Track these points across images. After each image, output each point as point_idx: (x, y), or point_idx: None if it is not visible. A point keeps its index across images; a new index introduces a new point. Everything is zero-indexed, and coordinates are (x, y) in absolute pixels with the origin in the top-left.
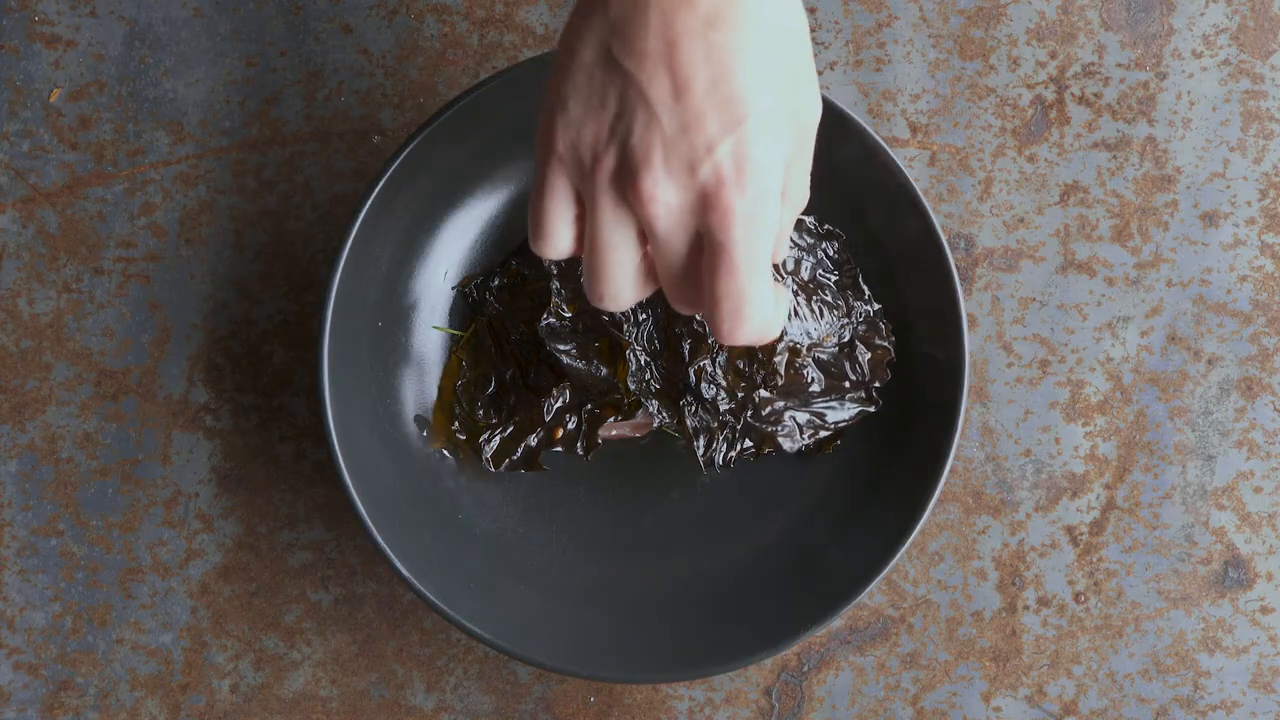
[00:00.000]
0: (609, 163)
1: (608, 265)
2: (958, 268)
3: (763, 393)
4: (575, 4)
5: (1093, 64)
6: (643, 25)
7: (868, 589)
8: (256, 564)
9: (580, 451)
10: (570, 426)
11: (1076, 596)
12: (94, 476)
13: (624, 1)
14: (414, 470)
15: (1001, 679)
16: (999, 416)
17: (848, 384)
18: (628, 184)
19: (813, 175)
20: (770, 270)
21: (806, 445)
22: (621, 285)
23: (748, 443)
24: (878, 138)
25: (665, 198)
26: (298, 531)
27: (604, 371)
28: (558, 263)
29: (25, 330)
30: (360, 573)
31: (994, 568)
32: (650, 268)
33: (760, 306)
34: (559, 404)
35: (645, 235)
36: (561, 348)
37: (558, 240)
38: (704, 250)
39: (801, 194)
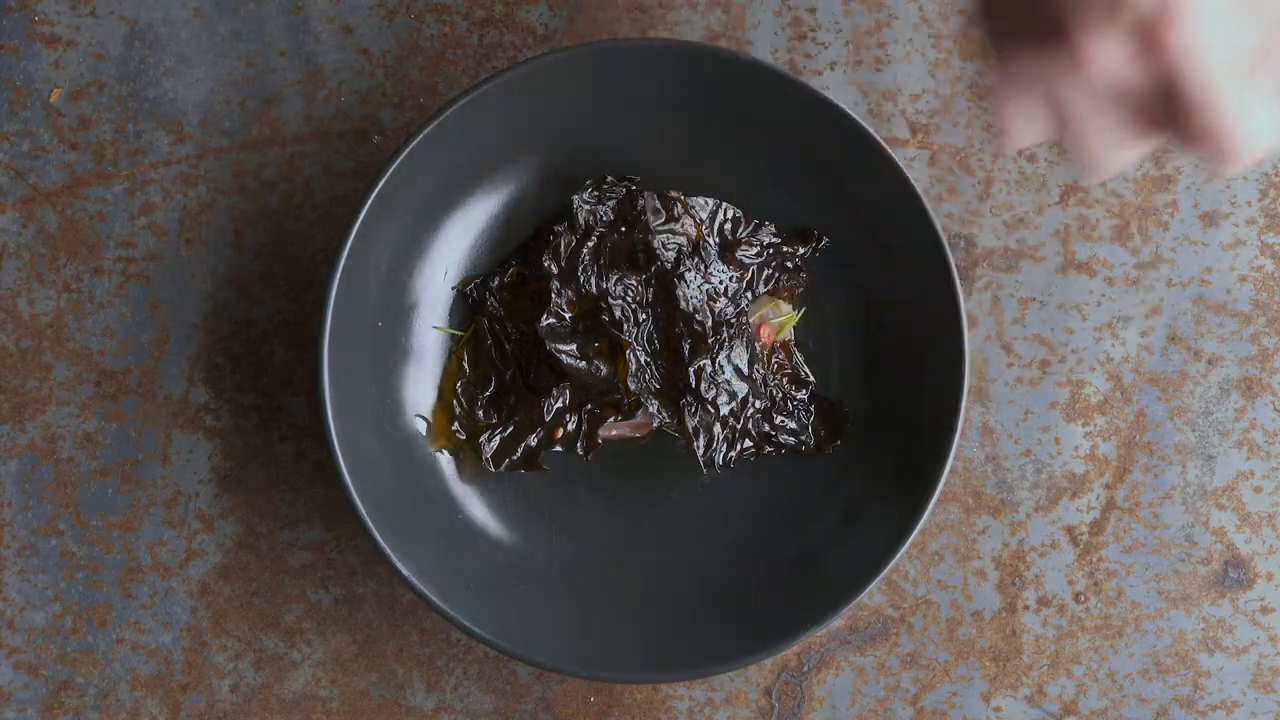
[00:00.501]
0: (1047, 44)
1: (1089, 138)
2: (958, 268)
3: (756, 402)
4: None
5: None
6: None
7: (868, 589)
8: (256, 564)
9: (580, 451)
10: (570, 427)
11: (1076, 596)
12: (94, 476)
13: None
14: (414, 470)
15: (1001, 679)
16: (999, 416)
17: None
18: (1075, 52)
19: (813, 175)
20: (1244, 101)
21: (805, 444)
22: (1105, 153)
23: (748, 443)
24: (878, 138)
25: (1115, 51)
26: (298, 531)
27: (604, 371)
28: (557, 263)
29: (25, 330)
30: (360, 573)
31: (994, 568)
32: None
33: (1244, 131)
34: (559, 404)
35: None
36: (561, 348)
37: (1026, 128)
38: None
39: None
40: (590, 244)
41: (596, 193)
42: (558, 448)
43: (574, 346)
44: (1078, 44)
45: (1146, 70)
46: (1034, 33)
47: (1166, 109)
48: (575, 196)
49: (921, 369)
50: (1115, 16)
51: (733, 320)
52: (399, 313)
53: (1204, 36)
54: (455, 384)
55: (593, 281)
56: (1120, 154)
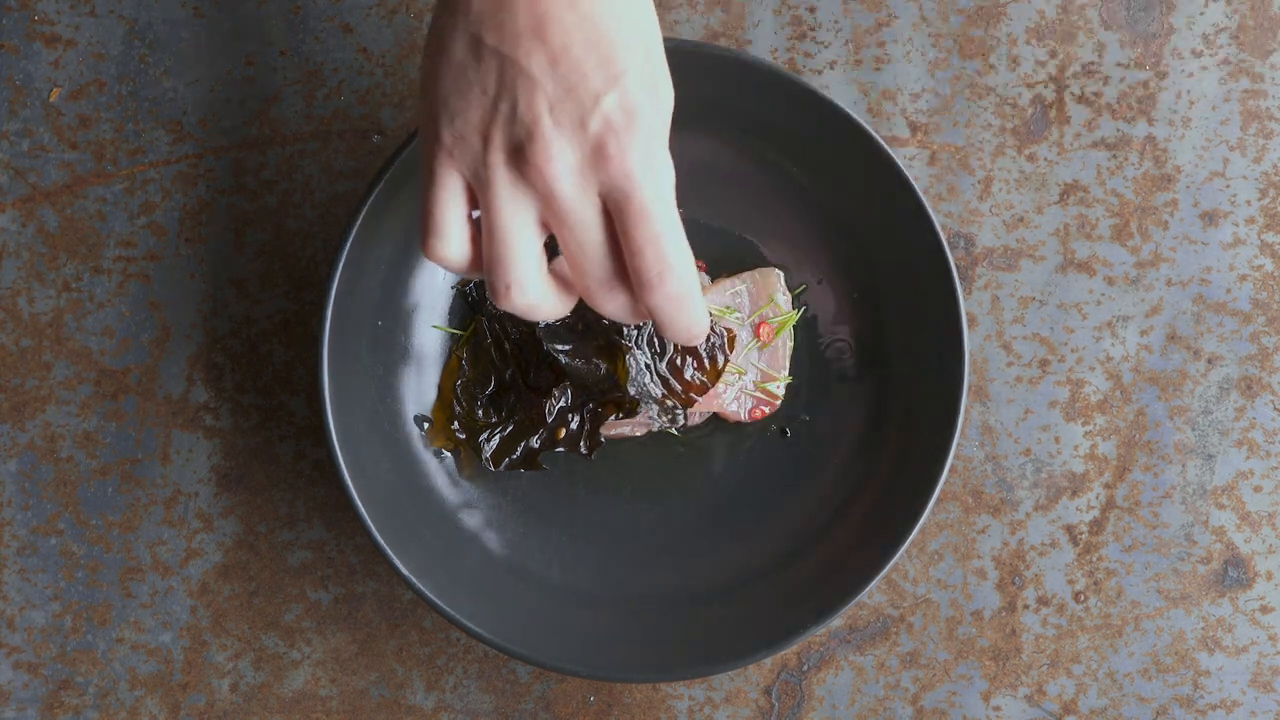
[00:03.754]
0: (499, 139)
1: (509, 249)
2: (958, 267)
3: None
4: (434, 12)
5: (1092, 63)
6: (510, 9)
7: (868, 589)
8: (256, 563)
9: (583, 450)
10: (573, 426)
11: (1076, 596)
12: (94, 476)
13: None
14: (414, 470)
15: (1001, 678)
16: (999, 416)
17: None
18: (521, 156)
19: (813, 174)
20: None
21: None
22: (525, 272)
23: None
24: (878, 137)
25: (561, 158)
26: (297, 531)
27: (603, 369)
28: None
29: (25, 329)
30: (360, 572)
31: (994, 567)
32: (562, 277)
33: (682, 255)
34: (560, 404)
35: (546, 219)
36: (560, 348)
37: (451, 237)
38: (614, 214)
39: (669, 173)
40: None
41: None
42: (561, 448)
43: (572, 345)
44: (538, 146)
45: (592, 189)
46: (475, 142)
47: (603, 244)
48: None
49: (921, 368)
50: (576, 126)
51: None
52: (399, 313)
53: (649, 161)
54: (455, 383)
55: None
56: (540, 290)
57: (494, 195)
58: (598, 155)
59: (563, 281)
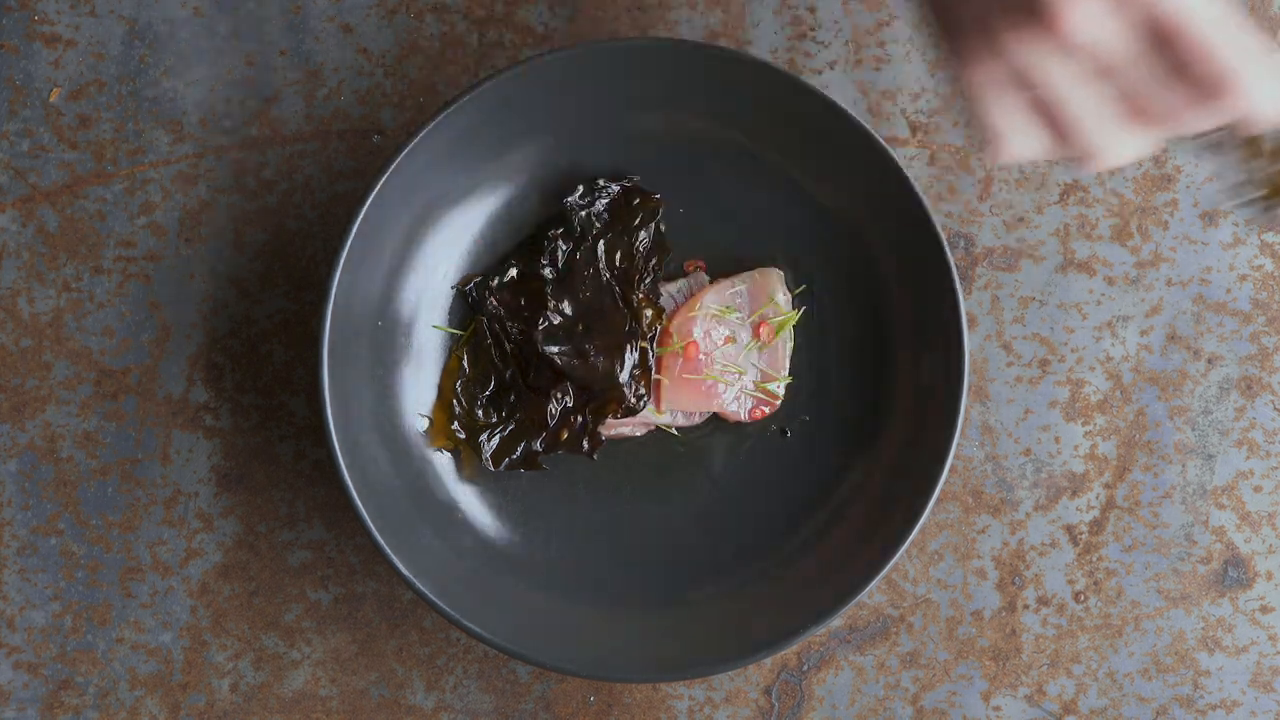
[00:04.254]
0: (1023, 25)
1: (1082, 116)
2: (958, 267)
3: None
4: None
5: None
6: None
7: (868, 588)
8: (256, 563)
9: (585, 450)
10: (576, 428)
11: (1076, 596)
12: (94, 476)
13: None
14: (414, 470)
15: (1001, 678)
16: (999, 416)
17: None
18: (1050, 25)
19: (813, 174)
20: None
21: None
22: (1103, 127)
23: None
24: (878, 137)
25: (1081, 8)
26: (297, 531)
27: (602, 367)
28: (554, 267)
29: (25, 329)
30: (360, 572)
31: (994, 567)
32: (1126, 107)
33: (1257, 62)
34: (563, 406)
35: (1094, 69)
36: (556, 349)
37: (1018, 135)
38: (1162, 44)
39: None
40: (585, 246)
41: (589, 195)
42: (563, 449)
43: (571, 346)
44: (1049, 10)
45: (1132, 23)
46: (992, 19)
47: (1166, 67)
48: (567, 200)
49: (921, 368)
50: None
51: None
52: (399, 312)
53: None
54: (455, 383)
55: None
56: (1121, 138)
57: (1037, 81)
58: None
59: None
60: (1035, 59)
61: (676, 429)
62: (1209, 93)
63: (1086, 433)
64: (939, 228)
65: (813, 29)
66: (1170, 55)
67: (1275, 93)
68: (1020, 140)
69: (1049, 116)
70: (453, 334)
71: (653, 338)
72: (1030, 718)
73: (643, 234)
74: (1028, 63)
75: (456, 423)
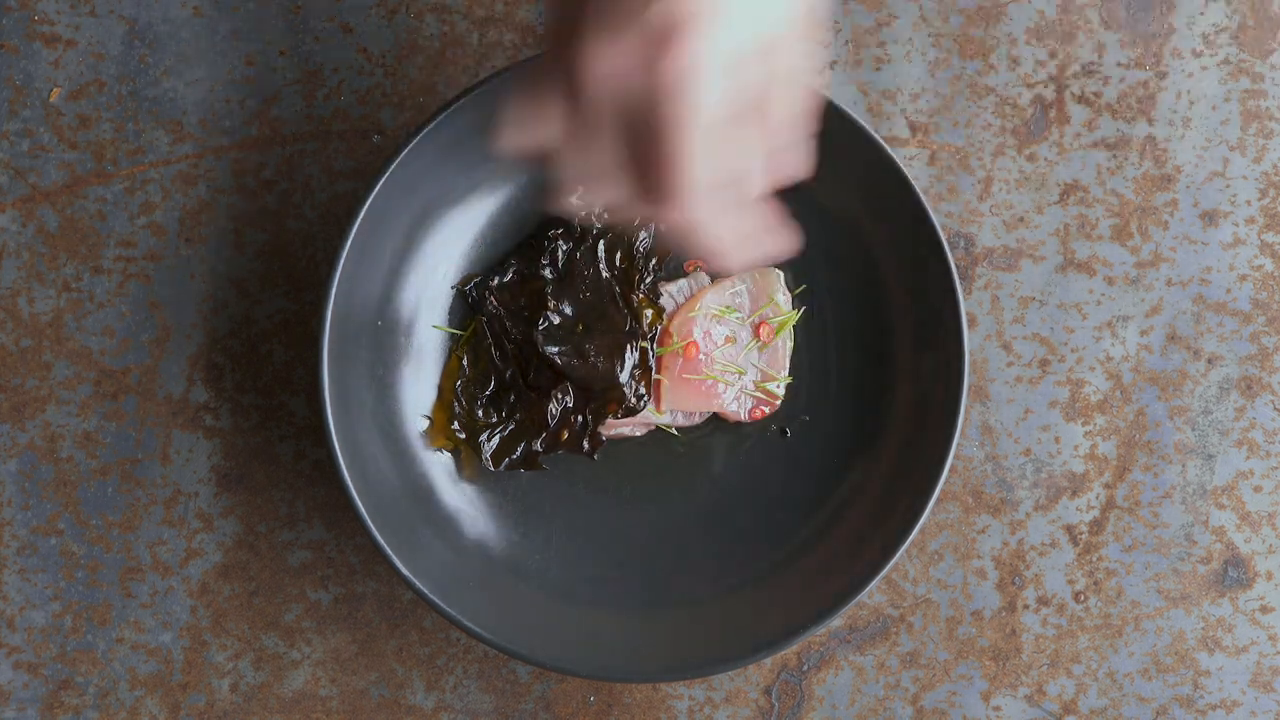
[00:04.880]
0: (568, 44)
1: (580, 148)
2: (958, 267)
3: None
4: None
5: (1092, 63)
6: None
7: (868, 589)
8: (256, 563)
9: (585, 450)
10: (576, 428)
11: (1076, 596)
12: (94, 476)
13: None
14: (414, 470)
15: (1001, 678)
16: (999, 416)
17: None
18: (581, 56)
19: (815, 173)
20: (698, 154)
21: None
22: (601, 163)
23: None
24: (878, 137)
25: (604, 64)
26: (297, 531)
27: (602, 367)
28: (554, 268)
29: (25, 329)
30: (360, 572)
31: (994, 567)
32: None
33: (692, 176)
34: (563, 406)
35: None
36: (556, 349)
37: (523, 129)
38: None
39: (785, 105)
40: (585, 246)
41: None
42: (563, 450)
43: (571, 346)
44: (586, 43)
45: (638, 90)
46: (573, 37)
47: (641, 136)
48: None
49: (921, 368)
50: (627, 23)
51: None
52: (399, 312)
53: (696, 74)
54: (455, 383)
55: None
56: (594, 178)
57: (565, 102)
58: (645, 60)
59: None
60: (566, 75)
61: (676, 429)
62: (652, 178)
63: (1086, 433)
64: (939, 228)
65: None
66: (652, 126)
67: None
68: (516, 140)
69: (565, 131)
70: (453, 334)
71: (653, 338)
72: (1030, 718)
73: (643, 234)
74: (562, 76)
75: (456, 423)
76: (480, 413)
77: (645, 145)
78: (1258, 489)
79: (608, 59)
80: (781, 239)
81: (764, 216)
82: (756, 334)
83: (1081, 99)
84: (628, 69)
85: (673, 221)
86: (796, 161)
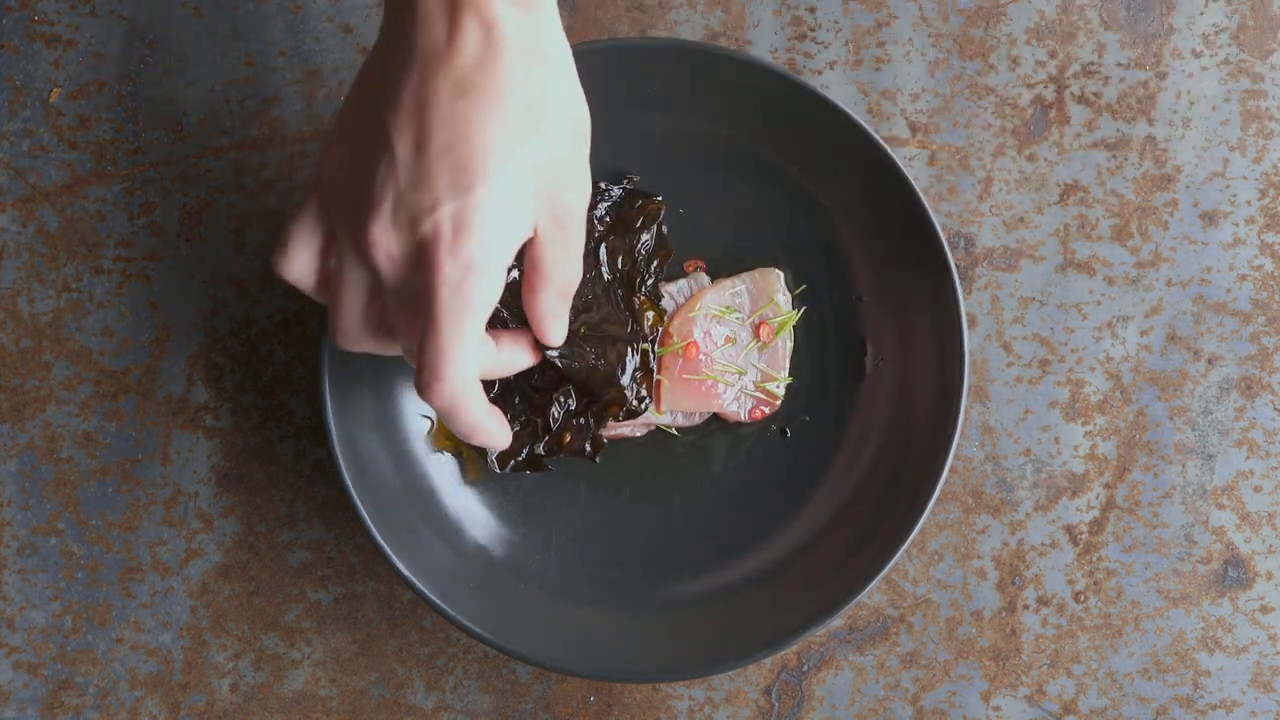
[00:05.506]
0: (351, 201)
1: (341, 300)
2: (958, 267)
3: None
4: (376, 43)
5: (1092, 63)
6: (405, 80)
7: (868, 589)
8: (256, 563)
9: (588, 453)
10: (579, 430)
11: (1076, 596)
12: (94, 476)
13: (397, 54)
14: (414, 470)
15: (1001, 678)
16: (999, 416)
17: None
18: (359, 226)
19: (813, 174)
20: (474, 344)
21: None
22: (350, 323)
23: None
24: (878, 137)
25: (388, 246)
26: (297, 531)
27: (602, 368)
28: None
29: (25, 330)
30: (360, 572)
31: (994, 567)
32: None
33: (453, 372)
34: (565, 409)
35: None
36: (558, 352)
37: (295, 261)
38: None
39: (563, 275)
40: (587, 248)
41: (590, 199)
42: (565, 453)
43: (572, 349)
44: (370, 225)
45: (412, 276)
46: (349, 186)
47: (410, 320)
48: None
49: (921, 368)
50: (409, 220)
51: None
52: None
53: (462, 281)
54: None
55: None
56: (356, 337)
57: (338, 249)
58: (419, 257)
59: (388, 333)
60: (344, 240)
61: (676, 429)
62: (419, 361)
63: (1086, 433)
64: (939, 228)
65: (813, 29)
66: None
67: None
68: (294, 269)
69: (321, 283)
70: None
71: (654, 340)
72: (1030, 718)
73: (645, 236)
74: (337, 240)
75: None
76: None
77: (416, 321)
78: (1258, 489)
79: (387, 244)
80: (505, 432)
81: (494, 410)
82: (756, 334)
83: (1081, 99)
84: (404, 258)
85: (430, 399)
86: (552, 333)
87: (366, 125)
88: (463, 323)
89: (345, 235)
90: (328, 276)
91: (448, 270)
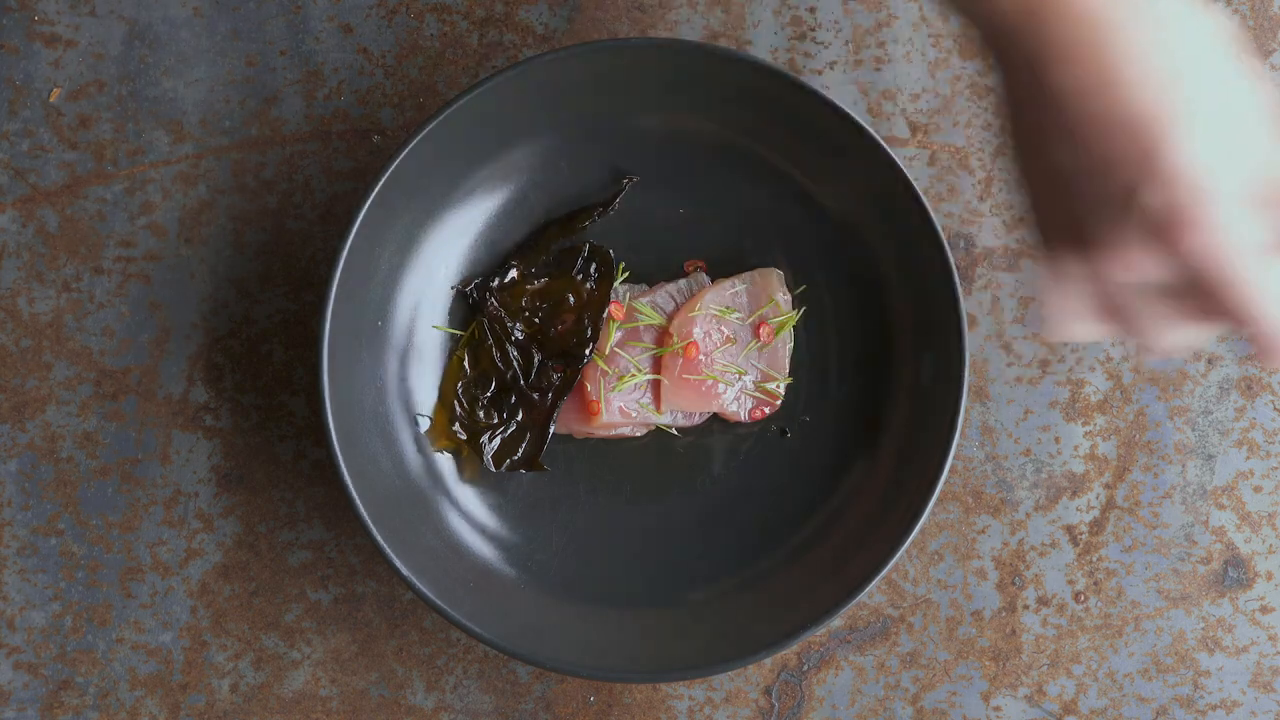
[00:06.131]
0: (1081, 233)
1: (1138, 321)
2: (958, 267)
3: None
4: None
5: None
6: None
7: (868, 589)
8: (256, 563)
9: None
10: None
11: (1076, 596)
12: (94, 476)
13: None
14: (414, 470)
15: (1001, 678)
16: (999, 416)
17: None
18: (1096, 261)
19: (813, 175)
20: (1264, 288)
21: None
22: (1158, 327)
23: None
24: (878, 137)
25: (1122, 265)
26: (297, 531)
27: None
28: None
29: (25, 330)
30: (360, 572)
31: (994, 567)
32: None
33: (1261, 314)
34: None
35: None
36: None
37: (1078, 325)
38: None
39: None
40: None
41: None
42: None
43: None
44: (1105, 249)
45: (1173, 268)
46: (1074, 235)
47: (1203, 302)
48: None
49: (921, 368)
50: (1130, 224)
51: None
52: (399, 312)
53: (1219, 233)
54: (456, 384)
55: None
56: (1179, 336)
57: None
58: (1162, 245)
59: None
60: (1101, 275)
61: (676, 429)
62: (1238, 325)
63: (1086, 433)
64: (939, 228)
65: (813, 29)
66: (1204, 293)
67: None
68: (1081, 328)
69: (1113, 311)
70: (453, 334)
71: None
72: (1030, 718)
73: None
74: (1096, 276)
75: (457, 424)
76: (481, 414)
77: (1201, 296)
78: (1258, 489)
79: (1120, 265)
80: None
81: None
82: (756, 334)
83: None
84: (1145, 266)
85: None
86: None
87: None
88: (1247, 266)
89: (1099, 274)
90: (1113, 311)
91: (1202, 233)
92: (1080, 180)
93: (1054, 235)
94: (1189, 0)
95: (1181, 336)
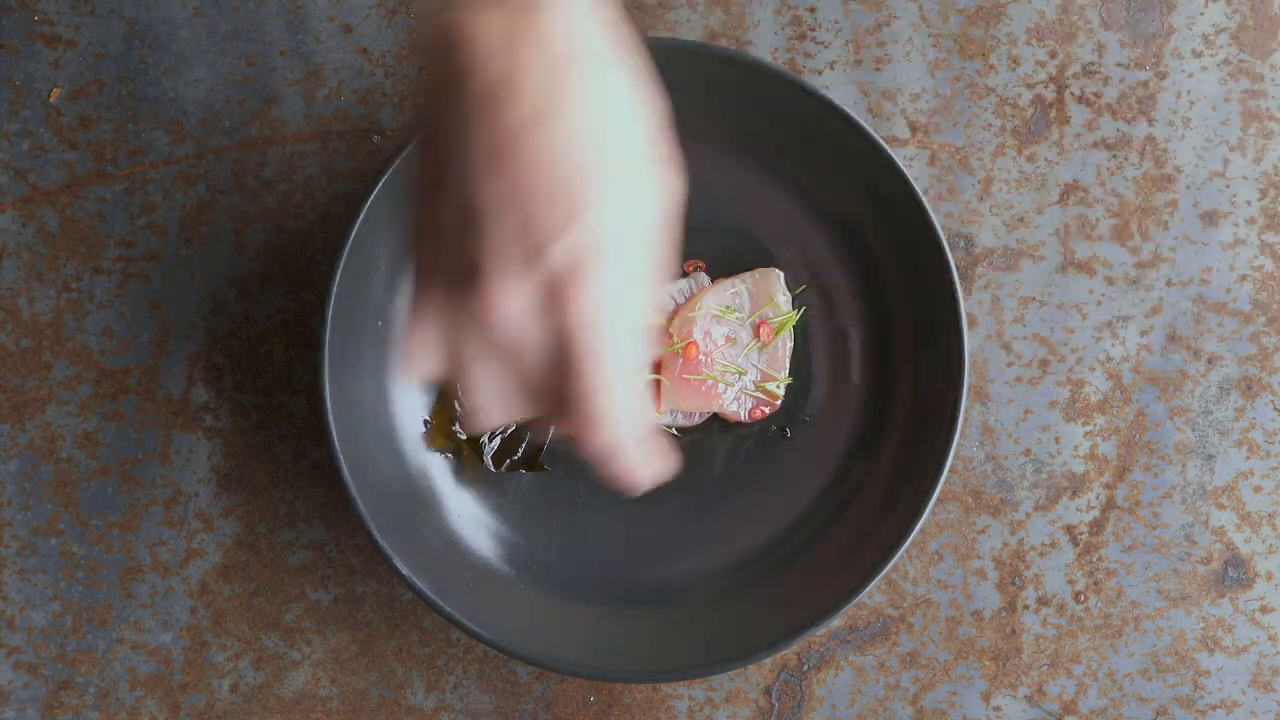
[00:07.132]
0: (456, 277)
1: (473, 379)
2: (958, 267)
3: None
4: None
5: (1092, 63)
6: (472, 131)
7: (868, 589)
8: (256, 563)
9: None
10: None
11: (1076, 596)
12: (94, 476)
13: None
14: (414, 470)
15: (1001, 678)
16: (999, 416)
17: None
18: (475, 297)
19: (814, 175)
20: (614, 385)
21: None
22: (488, 400)
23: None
24: (877, 137)
25: (504, 304)
26: (297, 531)
27: None
28: None
29: (25, 330)
30: (360, 572)
31: (994, 567)
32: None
33: (612, 407)
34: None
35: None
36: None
37: (422, 363)
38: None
39: (633, 311)
40: None
41: None
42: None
43: None
44: (487, 286)
45: (545, 327)
46: (452, 269)
47: (551, 374)
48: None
49: (921, 368)
50: (528, 267)
51: None
52: (399, 312)
53: (602, 309)
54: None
55: None
56: (496, 412)
57: (457, 332)
58: (549, 300)
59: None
60: (463, 318)
61: (676, 429)
62: (568, 412)
63: (1086, 433)
64: (939, 228)
65: (813, 29)
66: (560, 362)
67: (613, 442)
68: (421, 371)
69: (454, 369)
70: None
71: None
72: (1030, 718)
73: None
74: (457, 318)
75: (457, 424)
76: None
77: (556, 373)
78: (1258, 489)
79: (512, 300)
80: (670, 460)
81: (658, 437)
82: (756, 334)
83: (1081, 99)
84: (533, 310)
85: (591, 448)
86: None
87: (446, 190)
88: (617, 353)
89: (462, 315)
90: (459, 363)
91: (589, 298)
92: (493, 217)
93: (431, 264)
94: (629, 82)
95: (503, 411)
